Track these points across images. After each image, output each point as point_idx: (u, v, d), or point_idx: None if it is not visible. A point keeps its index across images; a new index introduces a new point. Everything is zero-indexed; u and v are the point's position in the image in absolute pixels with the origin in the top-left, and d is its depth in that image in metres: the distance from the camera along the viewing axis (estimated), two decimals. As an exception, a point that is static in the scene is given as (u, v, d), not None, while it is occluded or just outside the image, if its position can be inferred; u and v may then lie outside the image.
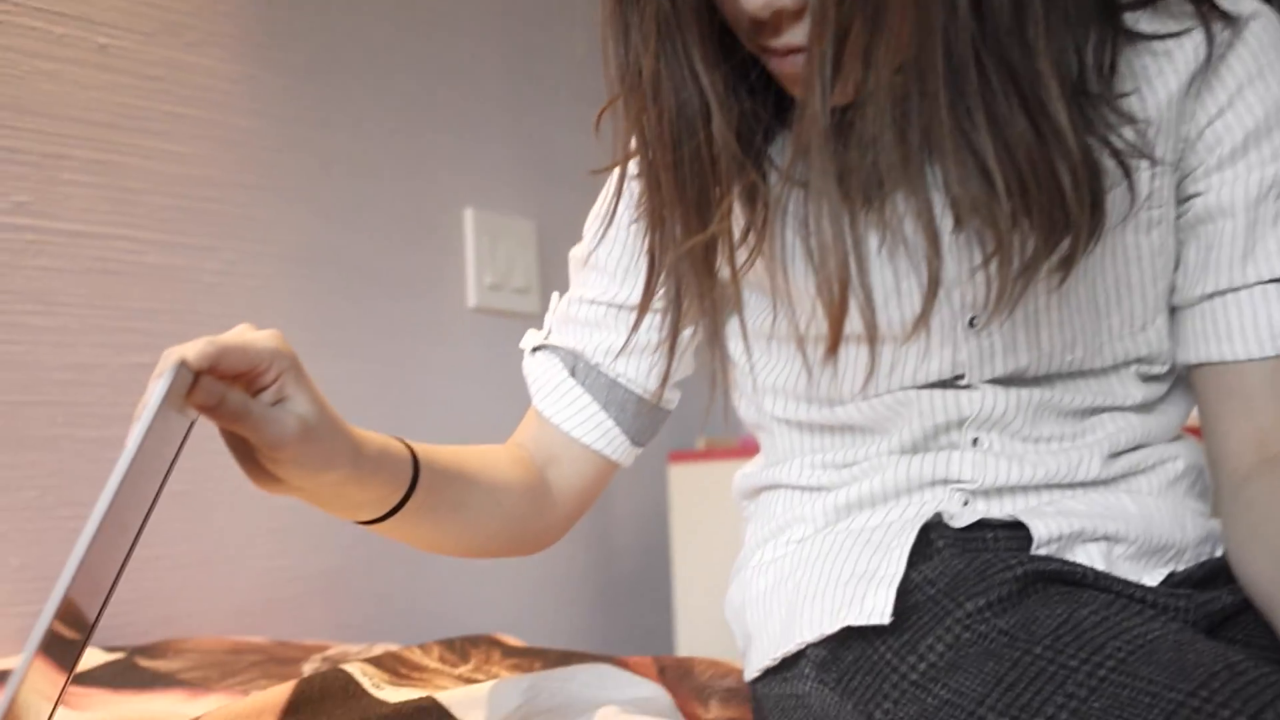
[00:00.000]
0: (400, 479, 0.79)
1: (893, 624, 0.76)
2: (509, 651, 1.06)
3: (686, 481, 2.07)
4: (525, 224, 1.97)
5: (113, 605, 1.37)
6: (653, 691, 0.92)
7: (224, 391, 0.65)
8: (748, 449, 2.04)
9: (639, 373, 0.93)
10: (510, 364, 1.91)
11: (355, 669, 0.96)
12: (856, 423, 0.85)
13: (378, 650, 1.17)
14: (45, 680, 0.64)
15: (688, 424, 2.29)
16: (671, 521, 2.07)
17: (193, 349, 0.64)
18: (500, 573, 1.86)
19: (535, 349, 0.98)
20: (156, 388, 0.59)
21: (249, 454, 0.70)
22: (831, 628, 0.78)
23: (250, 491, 1.52)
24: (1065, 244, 0.75)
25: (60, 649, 0.62)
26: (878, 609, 0.76)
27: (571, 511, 0.96)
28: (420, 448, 0.82)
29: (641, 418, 0.95)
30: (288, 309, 1.59)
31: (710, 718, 0.94)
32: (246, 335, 0.68)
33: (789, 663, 0.83)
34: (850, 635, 0.78)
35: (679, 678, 0.98)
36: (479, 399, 1.86)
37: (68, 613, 0.57)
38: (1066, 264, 0.76)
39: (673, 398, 0.96)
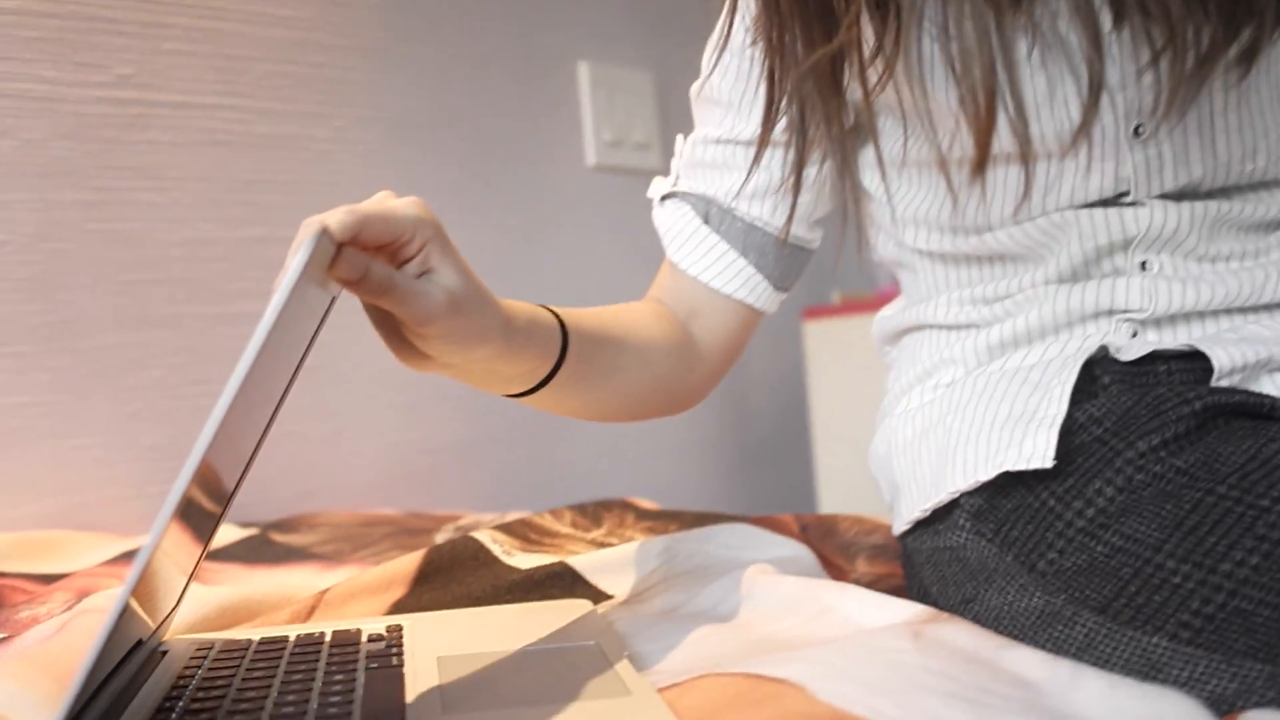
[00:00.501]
0: (550, 349, 0.75)
1: (1056, 468, 0.70)
2: (643, 515, 1.02)
3: (823, 338, 2.00)
4: (642, 77, 1.89)
5: (246, 483, 1.38)
6: (795, 550, 0.87)
7: (368, 264, 0.61)
8: (884, 300, 1.96)
9: (776, 214, 0.87)
10: (634, 223, 1.86)
11: (485, 536, 0.94)
12: (1009, 251, 0.78)
13: (509, 518, 1.15)
14: (181, 551, 0.62)
15: (822, 278, 2.22)
16: (808, 380, 2.01)
17: (334, 218, 0.60)
18: (634, 438, 1.84)
19: (664, 198, 0.92)
20: (296, 259, 0.56)
21: (395, 330, 0.67)
22: (987, 474, 0.72)
23: (380, 365, 1.51)
24: (1247, 33, 0.66)
25: (196, 519, 0.60)
26: (1039, 452, 0.70)
27: (719, 365, 0.91)
28: (567, 314, 0.77)
29: (783, 261, 0.89)
30: (400, 175, 1.55)
31: (857, 575, 0.89)
32: (388, 203, 0.63)
33: (941, 514, 0.78)
34: (1009, 481, 0.72)
35: (822, 536, 0.94)
36: (604, 260, 1.81)
37: (204, 481, 0.55)
38: (1248, 57, 0.67)
39: (814, 237, 0.90)
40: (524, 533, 0.96)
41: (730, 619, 0.75)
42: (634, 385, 0.84)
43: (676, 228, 0.90)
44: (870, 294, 2.12)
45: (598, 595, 0.85)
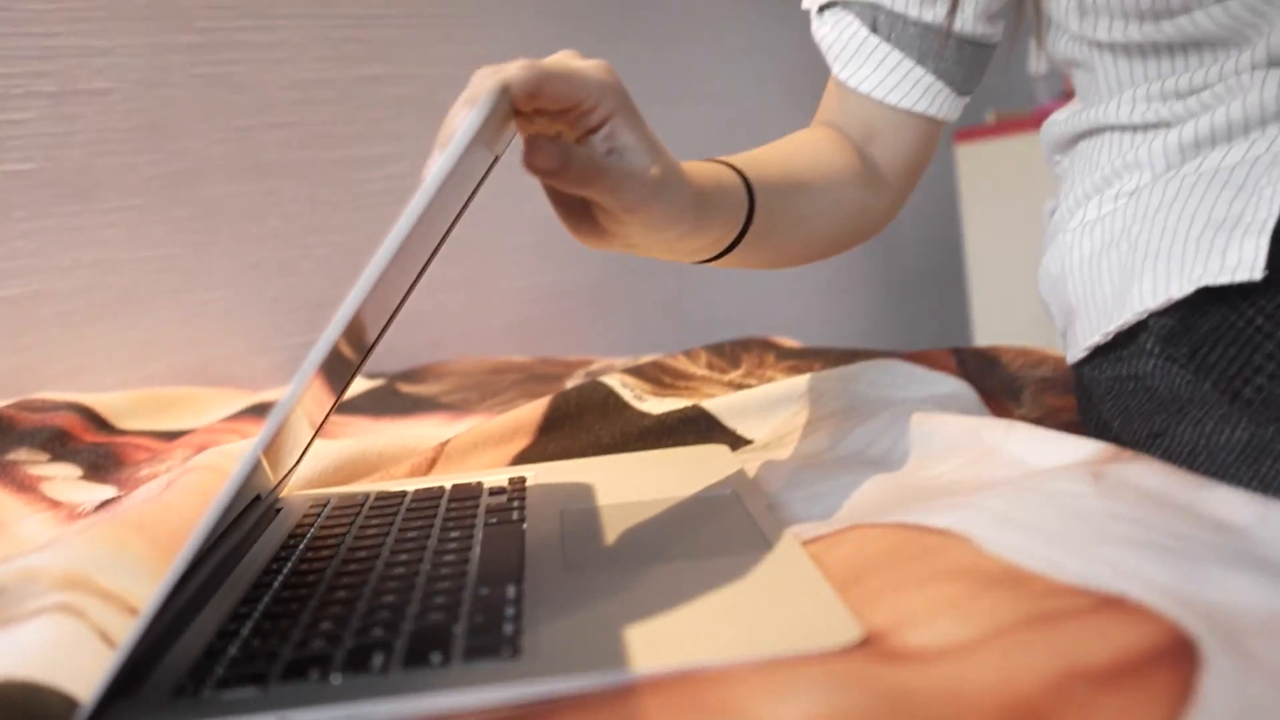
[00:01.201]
0: (737, 214, 0.67)
1: (1264, 281, 0.60)
2: (784, 354, 0.95)
3: (976, 161, 1.88)
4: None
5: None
6: (953, 386, 0.80)
7: (568, 152, 0.53)
8: (1044, 118, 1.83)
9: (950, 12, 0.76)
10: (782, 40, 1.75)
11: (615, 381, 0.88)
12: (1207, 35, 0.67)
13: (642, 362, 1.09)
14: (314, 402, 0.58)
15: (975, 97, 2.08)
16: (961, 207, 1.90)
17: (514, 73, 0.52)
18: (776, 275, 1.76)
19: (822, 8, 0.82)
20: (469, 117, 0.48)
21: (577, 208, 0.59)
22: (1182, 290, 0.63)
23: (507, 205, 1.46)
24: None
25: (334, 373, 0.56)
26: (1245, 263, 0.60)
27: (904, 187, 0.82)
28: (749, 167, 0.69)
29: (964, 62, 0.79)
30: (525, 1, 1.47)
31: (1023, 412, 0.81)
32: (572, 63, 0.55)
33: (1125, 338, 0.69)
34: (1207, 298, 0.63)
35: (983, 370, 0.85)
36: (750, 84, 1.71)
37: (351, 333, 0.50)
38: None
39: (995, 30, 0.79)
40: (656, 376, 0.90)
41: (882, 463, 0.68)
42: (822, 228, 0.76)
43: (841, 41, 0.80)
44: (1028, 112, 1.98)
45: (735, 440, 0.78)
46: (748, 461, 0.73)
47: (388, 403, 1.10)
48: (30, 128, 1.13)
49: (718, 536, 0.56)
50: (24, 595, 0.49)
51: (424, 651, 0.46)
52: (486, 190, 1.42)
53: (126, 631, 0.49)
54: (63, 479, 0.86)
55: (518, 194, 1.46)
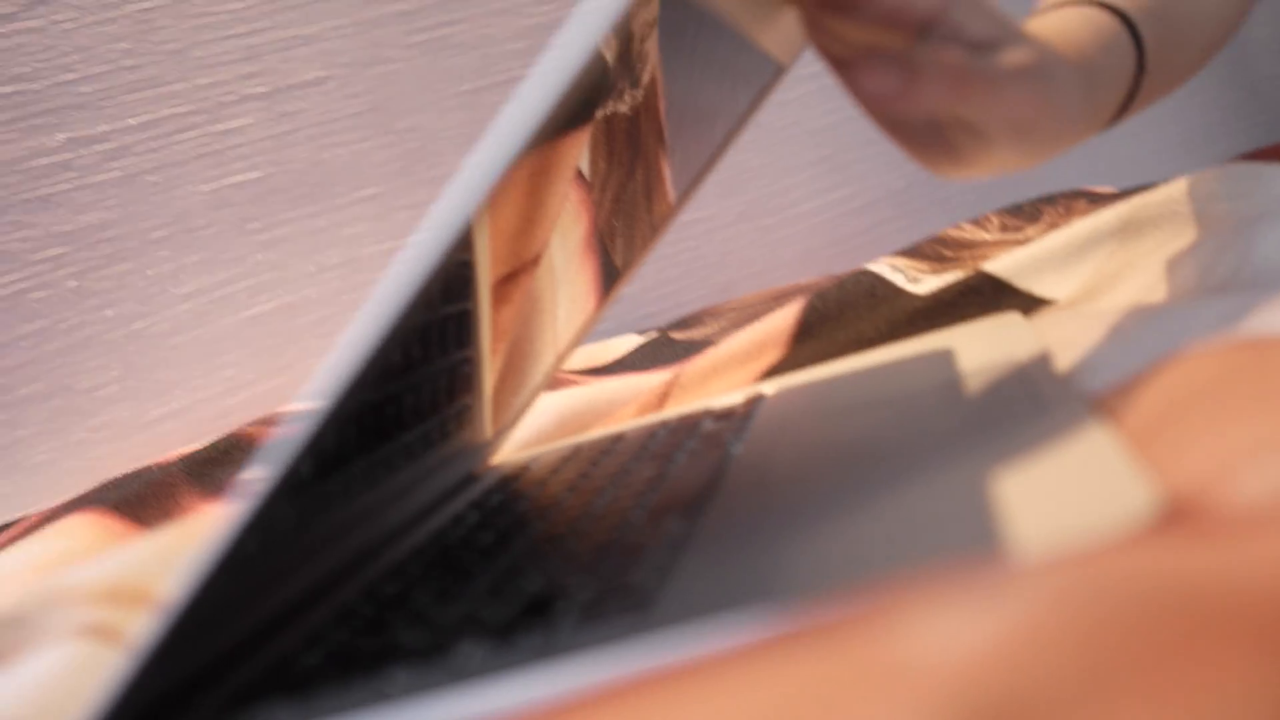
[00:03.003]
0: (1125, 65, 0.50)
1: None
2: (1099, 199, 0.75)
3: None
4: None
5: (650, 289, 1.23)
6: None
7: (912, 65, 0.37)
8: None
9: None
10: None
11: (884, 266, 0.72)
12: None
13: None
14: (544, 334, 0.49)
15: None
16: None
17: None
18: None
19: None
20: None
21: (928, 134, 0.44)
22: None
23: (777, 119, 1.32)
24: None
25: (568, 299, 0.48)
26: None
27: None
28: (1126, 4, 0.51)
29: None
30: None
31: None
32: None
33: None
34: None
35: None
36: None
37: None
38: None
39: None
40: (935, 251, 0.73)
41: (1225, 289, 0.49)
42: (1207, 39, 0.57)
43: None
44: None
45: (1031, 304, 0.61)
46: (1047, 327, 0.55)
47: (659, 354, 0.98)
48: (249, 134, 1.09)
49: (973, 420, 0.40)
50: (46, 620, 0.40)
51: (525, 622, 0.33)
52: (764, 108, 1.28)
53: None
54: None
55: (791, 102, 1.31)
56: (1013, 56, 0.38)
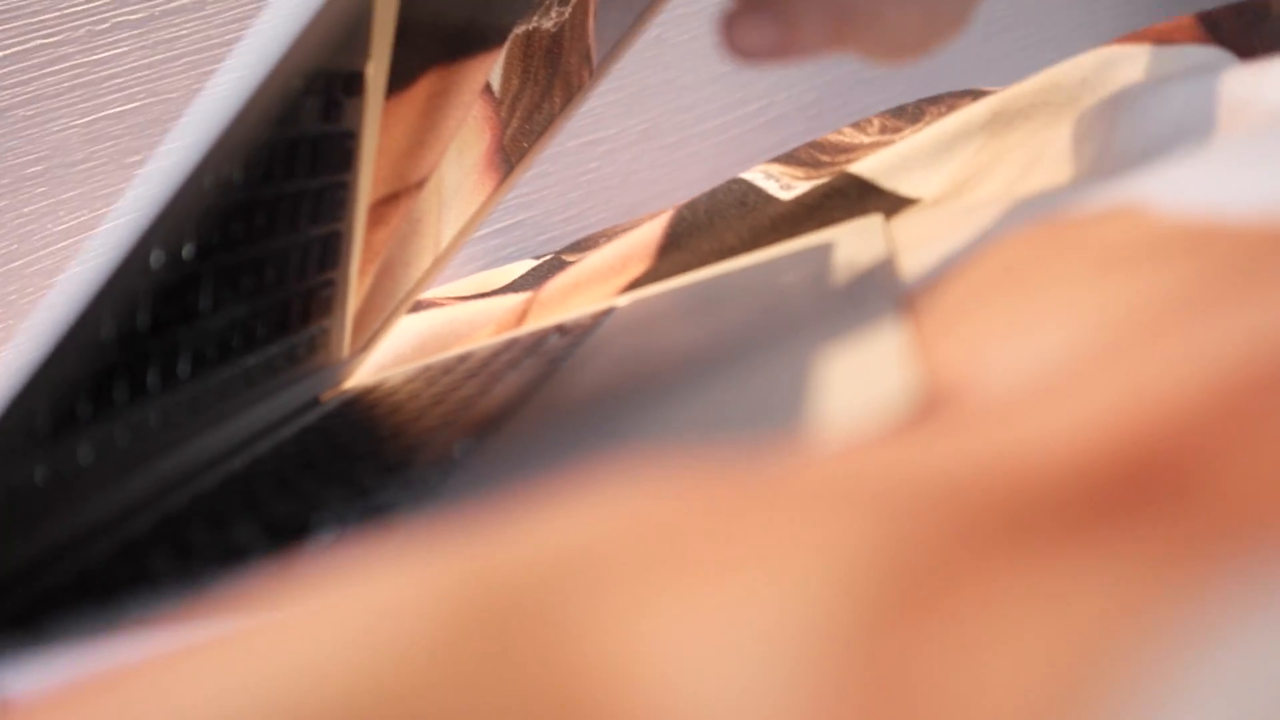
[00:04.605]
0: None
1: None
2: (983, 96, 0.72)
3: None
4: None
5: (552, 214, 1.19)
6: (1201, 56, 0.55)
7: (787, 16, 0.33)
8: None
9: None
10: None
11: (757, 174, 0.68)
12: None
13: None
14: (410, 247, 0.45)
15: None
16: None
17: None
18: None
19: None
20: None
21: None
22: None
23: (679, 35, 1.27)
24: None
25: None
26: None
27: None
28: None
29: None
30: None
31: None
32: None
33: None
34: None
35: (1246, 28, 0.60)
36: None
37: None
38: None
39: None
40: (811, 157, 0.70)
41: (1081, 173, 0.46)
42: None
43: None
44: None
45: (896, 204, 0.58)
46: (906, 226, 0.52)
47: (549, 277, 0.94)
48: (124, 63, 1.04)
49: (786, 325, 0.37)
50: None
51: (282, 543, 0.30)
52: (654, 27, 1.24)
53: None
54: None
55: (693, 15, 1.27)
56: None
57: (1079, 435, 0.16)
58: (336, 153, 0.44)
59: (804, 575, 0.12)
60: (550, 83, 0.50)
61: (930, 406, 0.23)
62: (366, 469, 0.36)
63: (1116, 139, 0.47)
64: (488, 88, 0.47)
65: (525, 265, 1.01)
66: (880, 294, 0.35)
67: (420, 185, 0.51)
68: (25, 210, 1.03)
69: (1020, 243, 0.31)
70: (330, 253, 0.50)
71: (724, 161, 1.28)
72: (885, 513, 0.13)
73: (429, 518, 0.28)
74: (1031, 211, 0.37)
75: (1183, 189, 0.27)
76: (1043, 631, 0.11)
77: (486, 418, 0.38)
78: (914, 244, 0.46)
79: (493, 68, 0.46)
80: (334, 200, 0.46)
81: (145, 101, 1.03)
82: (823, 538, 0.13)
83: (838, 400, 0.24)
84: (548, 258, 1.02)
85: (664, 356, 0.39)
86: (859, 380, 0.25)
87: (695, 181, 1.25)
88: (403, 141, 0.46)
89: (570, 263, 0.97)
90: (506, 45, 0.44)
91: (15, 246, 1.02)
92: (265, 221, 0.42)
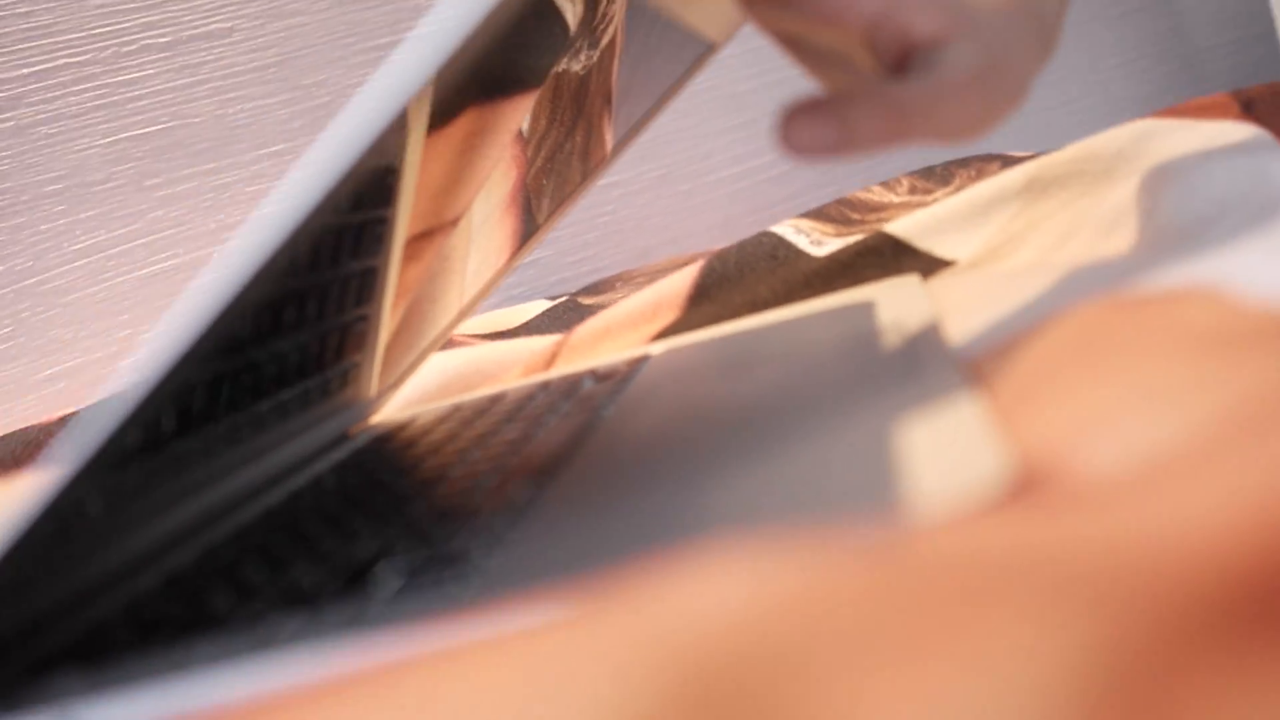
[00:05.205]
0: None
1: None
2: (1011, 162, 0.73)
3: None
4: None
5: (565, 254, 1.19)
6: (1240, 134, 0.56)
7: (846, 118, 0.33)
8: None
9: None
10: None
11: (787, 228, 0.69)
12: None
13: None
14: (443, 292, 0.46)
15: None
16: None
17: None
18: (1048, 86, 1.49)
19: None
20: None
21: None
22: None
23: (699, 83, 1.28)
24: None
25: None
26: None
27: None
28: None
29: None
30: None
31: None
32: None
33: None
34: None
35: (1278, 109, 0.61)
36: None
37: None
38: None
39: None
40: (841, 214, 0.70)
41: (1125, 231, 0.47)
42: None
43: None
44: None
45: (931, 265, 0.58)
46: (945, 289, 0.53)
47: (565, 318, 0.95)
48: (149, 85, 1.04)
49: (845, 386, 0.37)
50: None
51: (343, 591, 0.30)
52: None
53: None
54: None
55: (712, 65, 1.28)
56: (959, 61, 0.35)
57: (1214, 526, 0.16)
58: (378, 187, 0.44)
59: (1012, 669, 0.12)
60: (574, 124, 0.51)
61: (1027, 485, 0.23)
62: (419, 511, 0.36)
63: (1161, 213, 0.47)
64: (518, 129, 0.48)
65: (539, 305, 1.01)
66: (938, 359, 0.36)
67: (454, 223, 0.51)
68: (42, 228, 1.03)
69: (1090, 316, 0.32)
70: (367, 288, 0.50)
71: (737, 209, 1.28)
72: (1073, 606, 0.13)
73: (510, 571, 0.28)
74: (1091, 284, 0.38)
75: (1259, 275, 0.28)
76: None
77: (541, 464, 0.38)
78: (957, 308, 0.46)
79: (526, 112, 0.46)
80: (373, 235, 0.47)
81: (168, 125, 1.04)
82: (1014, 630, 0.13)
83: (930, 476, 0.24)
84: (563, 299, 1.03)
85: (719, 410, 0.39)
86: (948, 455, 0.25)
87: (709, 228, 1.26)
88: (440, 178, 0.46)
89: (587, 305, 0.97)
90: (540, 89, 0.45)
91: (31, 264, 1.02)
92: (309, 255, 0.42)
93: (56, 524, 0.31)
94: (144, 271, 1.04)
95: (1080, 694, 0.12)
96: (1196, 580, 0.14)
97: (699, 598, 0.15)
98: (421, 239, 0.50)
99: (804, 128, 0.33)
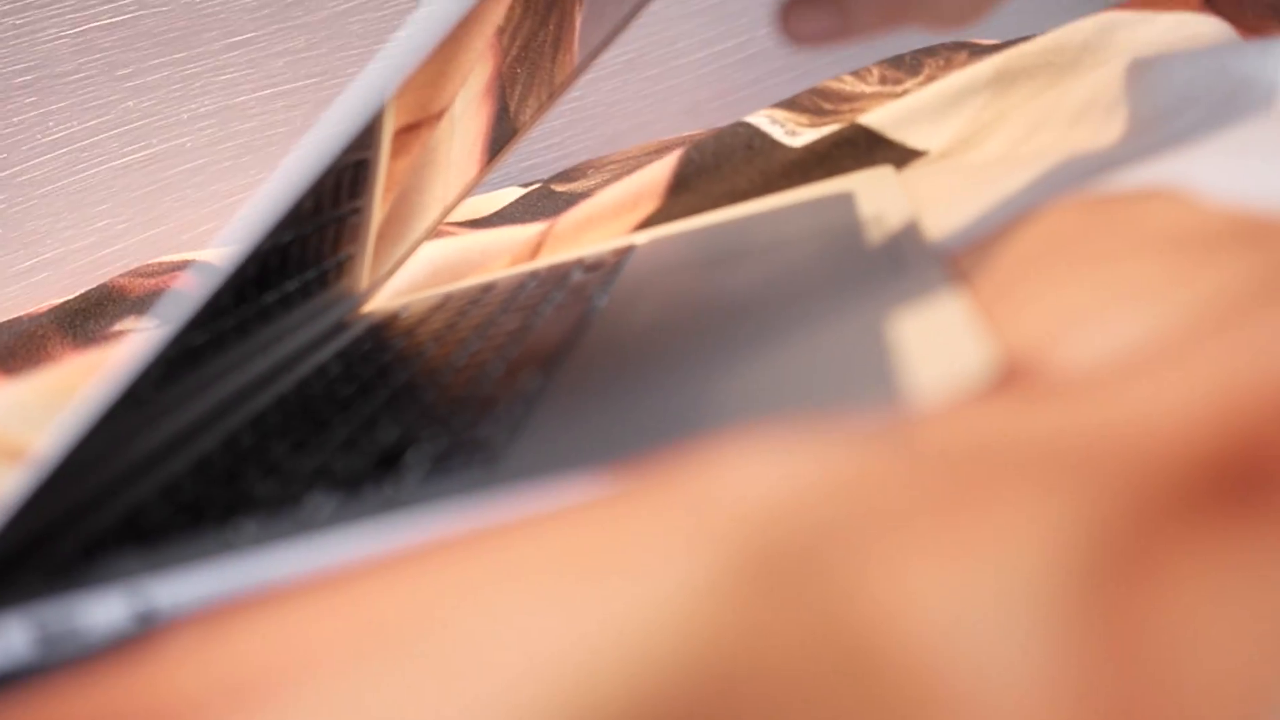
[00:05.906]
0: None
1: None
2: (981, 50, 0.75)
3: None
4: None
5: (534, 140, 1.20)
6: (1197, 26, 0.58)
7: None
8: None
9: None
10: None
11: (762, 118, 0.71)
12: None
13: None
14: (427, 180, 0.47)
15: None
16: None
17: None
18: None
19: None
20: None
21: None
22: None
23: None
24: None
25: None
26: None
27: None
28: None
29: None
30: None
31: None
32: None
33: None
34: None
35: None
36: None
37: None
38: None
39: None
40: (814, 104, 0.72)
41: (1093, 138, 0.49)
42: None
43: None
44: None
45: (904, 156, 0.61)
46: (918, 180, 0.55)
47: (539, 206, 0.96)
48: (116, -26, 1.03)
49: (831, 278, 0.40)
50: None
51: (375, 474, 0.32)
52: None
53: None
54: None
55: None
56: None
57: (1187, 415, 0.18)
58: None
59: (1023, 540, 0.15)
60: (548, 11, 0.52)
61: (1010, 377, 0.25)
62: (434, 399, 0.38)
63: (1125, 107, 0.49)
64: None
65: (513, 192, 1.03)
66: (921, 255, 0.38)
67: (440, 115, 0.53)
68: (14, 120, 1.03)
69: (1063, 215, 0.34)
70: (359, 180, 0.51)
71: (704, 94, 1.29)
72: (1066, 483, 0.16)
73: (535, 456, 0.30)
74: (1063, 181, 0.40)
75: (1223, 178, 0.30)
76: (1254, 604, 0.14)
77: (545, 354, 0.40)
78: (931, 200, 0.49)
79: (506, 3, 0.47)
80: (366, 129, 0.48)
81: (135, 14, 1.03)
82: (1023, 507, 0.15)
83: (923, 367, 0.27)
84: (536, 186, 1.04)
85: (711, 303, 0.41)
86: (937, 347, 0.28)
87: (676, 113, 1.27)
88: (426, 73, 0.47)
89: (560, 192, 0.98)
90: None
91: (4, 156, 1.02)
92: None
93: (113, 417, 0.33)
94: (118, 162, 1.04)
95: (1081, 558, 0.14)
96: (1172, 462, 0.17)
97: (742, 478, 0.18)
98: (408, 131, 0.51)
99: (805, 17, 0.35)
